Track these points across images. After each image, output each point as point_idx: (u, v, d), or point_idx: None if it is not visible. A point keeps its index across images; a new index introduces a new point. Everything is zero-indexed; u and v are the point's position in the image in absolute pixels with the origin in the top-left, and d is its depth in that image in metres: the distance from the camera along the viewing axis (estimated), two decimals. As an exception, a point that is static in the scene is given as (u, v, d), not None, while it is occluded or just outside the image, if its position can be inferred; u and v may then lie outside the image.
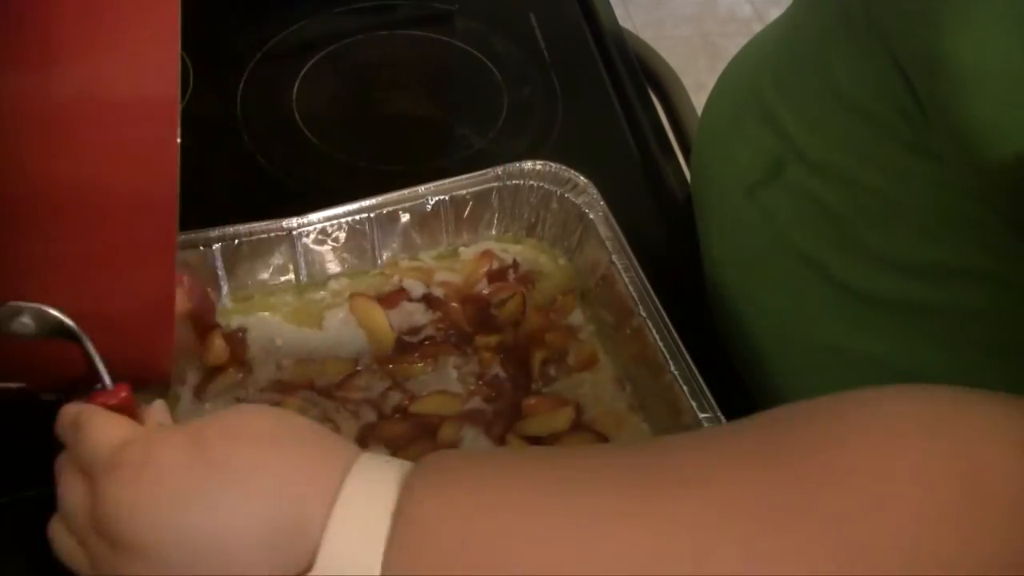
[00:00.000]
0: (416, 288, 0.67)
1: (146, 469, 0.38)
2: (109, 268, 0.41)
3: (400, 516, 0.37)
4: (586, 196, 0.68)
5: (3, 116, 0.37)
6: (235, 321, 0.65)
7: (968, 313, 0.50)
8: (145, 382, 0.47)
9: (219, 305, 0.65)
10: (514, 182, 0.69)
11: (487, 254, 0.69)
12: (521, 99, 0.85)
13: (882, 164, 0.51)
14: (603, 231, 0.66)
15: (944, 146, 0.46)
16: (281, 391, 0.62)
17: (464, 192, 0.68)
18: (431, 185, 0.68)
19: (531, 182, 0.69)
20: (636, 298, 0.63)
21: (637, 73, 0.89)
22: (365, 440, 0.60)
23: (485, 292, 0.68)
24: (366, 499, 0.38)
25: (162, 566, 0.37)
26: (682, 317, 0.62)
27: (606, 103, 0.85)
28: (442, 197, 0.68)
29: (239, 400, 0.62)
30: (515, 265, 0.69)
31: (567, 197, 0.69)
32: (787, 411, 0.39)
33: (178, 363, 0.57)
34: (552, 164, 0.69)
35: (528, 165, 0.69)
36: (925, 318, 0.52)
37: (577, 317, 0.67)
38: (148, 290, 0.42)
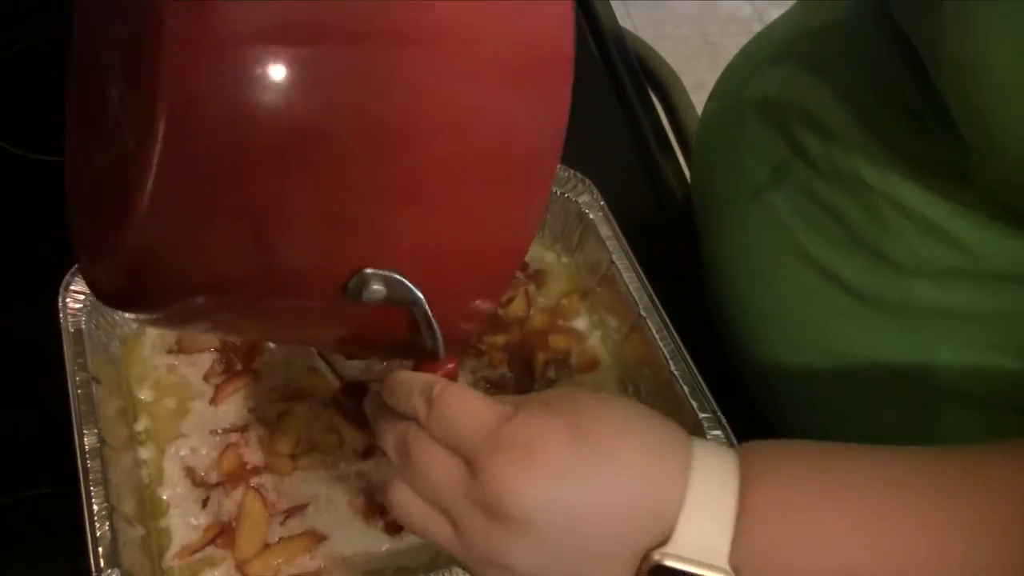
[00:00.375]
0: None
1: (533, 449, 0.40)
2: (464, 242, 0.40)
3: (743, 507, 0.40)
4: (586, 196, 0.68)
5: (403, 89, 0.36)
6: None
7: (980, 315, 0.50)
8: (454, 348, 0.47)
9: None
10: (514, 182, 0.69)
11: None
12: (521, 99, 0.85)
13: (890, 166, 0.51)
14: (603, 231, 0.66)
15: (954, 147, 0.46)
16: (289, 399, 0.62)
17: (464, 192, 0.68)
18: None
19: (531, 182, 0.69)
20: (636, 298, 0.63)
21: (637, 73, 0.89)
22: (373, 449, 0.60)
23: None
24: (714, 487, 0.41)
25: (540, 539, 0.40)
26: (682, 317, 0.62)
27: (606, 103, 0.85)
28: (442, 197, 0.68)
29: (249, 410, 0.62)
30: (523, 265, 0.69)
31: (567, 197, 0.69)
32: None
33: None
34: (552, 164, 0.69)
35: (528, 165, 0.69)
36: (936, 321, 0.52)
37: (580, 321, 0.67)
38: (494, 264, 0.42)
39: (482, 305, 0.43)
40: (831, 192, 0.54)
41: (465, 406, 0.42)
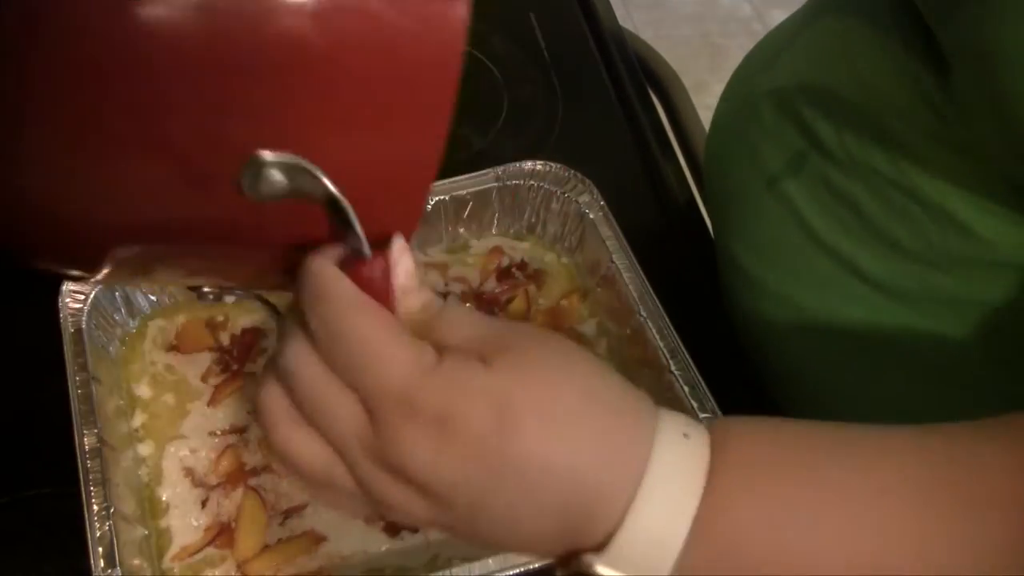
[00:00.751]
0: (435, 285, 0.68)
1: (447, 426, 0.34)
2: (377, 129, 0.36)
3: (702, 517, 0.35)
4: (586, 196, 0.68)
5: None
6: (240, 323, 0.65)
7: (998, 305, 0.50)
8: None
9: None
10: (514, 182, 0.69)
11: (496, 250, 0.70)
12: (521, 99, 0.85)
13: (907, 155, 0.51)
14: (603, 231, 0.66)
15: (970, 136, 0.46)
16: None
17: (464, 192, 0.68)
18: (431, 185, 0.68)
19: (531, 182, 0.69)
20: (636, 298, 0.63)
21: (637, 73, 0.89)
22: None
23: (496, 292, 0.68)
24: (672, 485, 0.35)
25: (449, 507, 0.35)
26: (682, 317, 0.62)
27: (606, 103, 0.85)
28: (442, 197, 0.68)
29: (248, 411, 0.62)
30: (522, 264, 0.69)
31: (567, 197, 0.69)
32: None
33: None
34: (552, 164, 0.69)
35: (528, 165, 0.69)
36: (953, 310, 0.52)
37: (583, 324, 0.67)
38: (412, 155, 0.37)
39: (406, 202, 0.38)
40: (847, 182, 0.55)
41: (373, 348, 0.35)
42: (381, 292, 0.37)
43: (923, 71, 0.47)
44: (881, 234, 0.53)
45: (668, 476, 0.35)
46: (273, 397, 0.37)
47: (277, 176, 0.35)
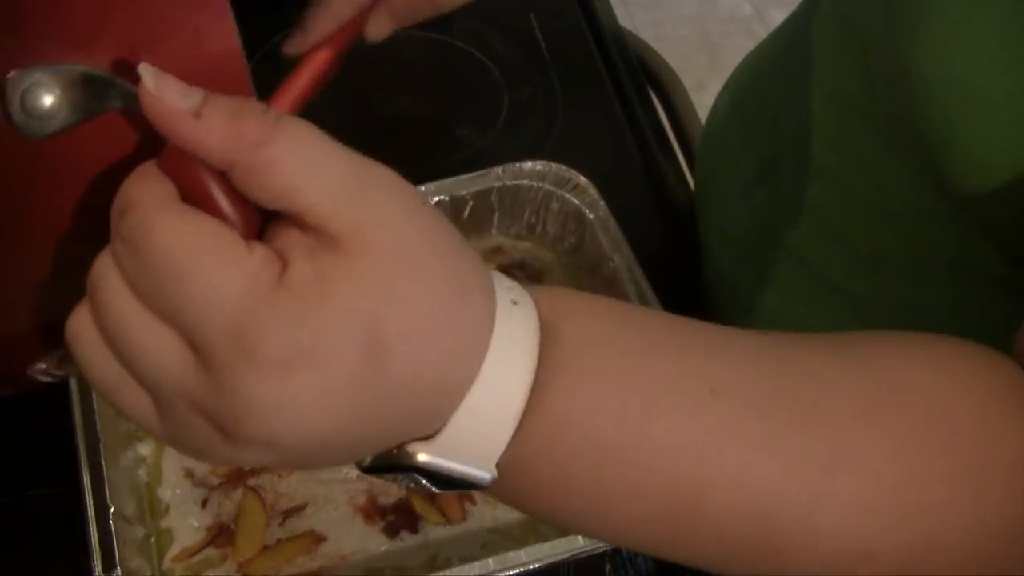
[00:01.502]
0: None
1: (300, 370, 0.28)
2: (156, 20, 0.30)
3: (534, 397, 0.31)
4: (586, 196, 0.68)
5: None
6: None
7: (956, 314, 0.50)
8: None
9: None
10: (514, 182, 0.69)
11: (496, 250, 0.70)
12: (521, 99, 0.85)
13: (869, 162, 0.51)
14: (603, 231, 0.66)
15: (910, 145, 0.47)
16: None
17: (464, 192, 0.68)
18: (431, 185, 0.68)
19: (531, 182, 0.69)
20: (636, 298, 0.63)
21: (637, 73, 0.89)
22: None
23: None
24: (507, 363, 0.31)
25: (285, 461, 0.30)
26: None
27: (606, 103, 0.85)
28: (442, 197, 0.68)
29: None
30: (522, 264, 0.69)
31: (567, 197, 0.68)
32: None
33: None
34: (552, 164, 0.69)
35: (528, 165, 0.69)
36: (912, 318, 0.52)
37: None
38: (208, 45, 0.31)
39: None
40: (814, 187, 0.55)
41: (185, 266, 0.27)
42: (192, 180, 0.29)
43: (883, 80, 0.48)
44: (843, 239, 0.53)
45: (504, 355, 0.31)
46: (82, 325, 0.30)
47: (48, 95, 0.28)
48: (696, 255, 0.70)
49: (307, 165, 0.29)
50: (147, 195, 0.28)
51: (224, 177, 0.29)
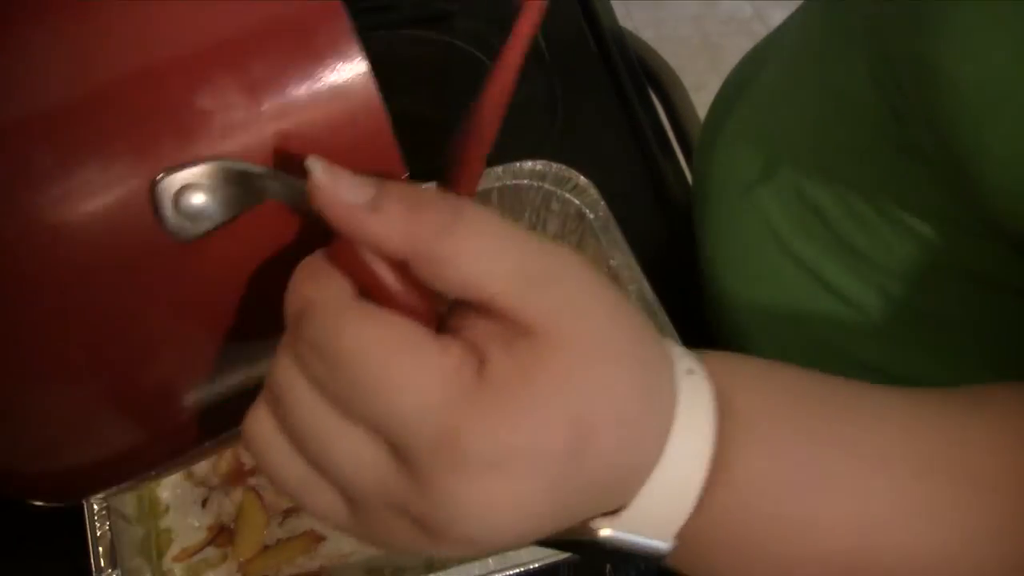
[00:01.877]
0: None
1: (510, 468, 0.27)
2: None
3: (716, 468, 0.31)
4: (586, 196, 0.68)
5: None
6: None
7: (971, 326, 0.50)
8: None
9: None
10: (514, 182, 0.69)
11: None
12: (521, 99, 0.85)
13: (872, 164, 0.51)
14: (603, 231, 0.66)
15: (933, 148, 0.46)
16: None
17: (464, 192, 0.68)
18: (431, 185, 0.68)
19: (531, 182, 0.69)
20: (636, 298, 0.63)
21: (637, 73, 0.89)
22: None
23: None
24: (690, 435, 0.31)
25: (483, 552, 0.32)
26: (682, 317, 0.62)
27: (606, 103, 0.85)
28: (442, 197, 0.68)
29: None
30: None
31: (567, 197, 0.68)
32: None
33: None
34: (552, 164, 0.69)
35: (528, 165, 0.69)
36: (915, 324, 0.52)
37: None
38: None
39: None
40: (815, 190, 0.55)
41: (391, 372, 0.26)
42: (369, 273, 0.27)
43: (889, 81, 0.47)
44: (845, 243, 0.53)
45: (687, 426, 0.31)
46: (265, 428, 0.29)
47: (193, 194, 0.27)
48: (696, 255, 0.70)
49: (490, 252, 0.28)
50: (326, 294, 0.27)
51: (401, 267, 0.28)
